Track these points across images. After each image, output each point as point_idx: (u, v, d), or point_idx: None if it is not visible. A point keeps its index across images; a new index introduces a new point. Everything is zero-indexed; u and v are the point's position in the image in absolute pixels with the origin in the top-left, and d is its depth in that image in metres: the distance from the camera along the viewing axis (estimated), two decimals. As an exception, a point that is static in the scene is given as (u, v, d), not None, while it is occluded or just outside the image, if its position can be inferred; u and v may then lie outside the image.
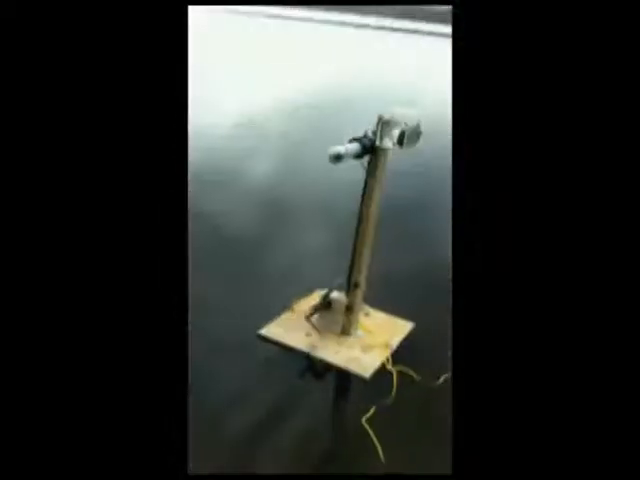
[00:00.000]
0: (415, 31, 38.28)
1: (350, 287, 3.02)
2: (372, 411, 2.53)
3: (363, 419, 2.49)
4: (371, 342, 3.06)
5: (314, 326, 3.04)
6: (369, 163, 2.74)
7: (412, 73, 18.09)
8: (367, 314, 3.36)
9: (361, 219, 2.88)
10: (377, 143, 2.62)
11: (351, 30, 36.79)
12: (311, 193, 5.67)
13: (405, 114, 2.62)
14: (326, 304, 3.11)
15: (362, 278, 3.01)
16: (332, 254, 3.97)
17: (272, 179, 6.14)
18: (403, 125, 2.56)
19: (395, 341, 3.11)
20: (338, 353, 2.95)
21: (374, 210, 2.85)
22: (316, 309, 3.08)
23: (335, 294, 3.08)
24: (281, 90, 12.47)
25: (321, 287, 3.26)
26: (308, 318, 3.03)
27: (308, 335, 3.08)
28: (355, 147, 2.58)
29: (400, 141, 2.59)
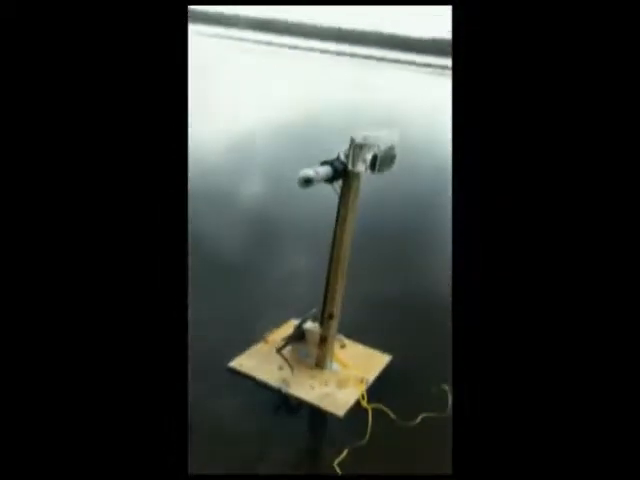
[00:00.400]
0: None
1: (324, 318, 2.86)
2: (344, 454, 2.36)
3: (335, 462, 2.31)
4: (346, 377, 2.90)
5: (286, 360, 2.87)
6: (342, 188, 2.61)
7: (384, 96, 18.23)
8: (343, 346, 3.20)
9: (334, 247, 2.73)
10: (349, 167, 2.49)
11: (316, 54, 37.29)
12: (297, 214, 5.53)
13: (379, 136, 2.50)
14: (299, 335, 2.95)
15: (336, 308, 2.86)
16: (315, 277, 3.80)
17: (260, 201, 6.00)
18: (376, 148, 2.43)
19: (371, 376, 2.95)
20: (312, 389, 2.78)
21: (347, 238, 2.71)
22: (288, 341, 2.92)
23: (309, 325, 2.93)
24: (267, 111, 12.47)
25: (302, 313, 3.09)
26: (279, 351, 2.86)
27: (281, 368, 2.91)
28: (326, 170, 2.45)
29: (372, 165, 2.46)
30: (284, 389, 2.73)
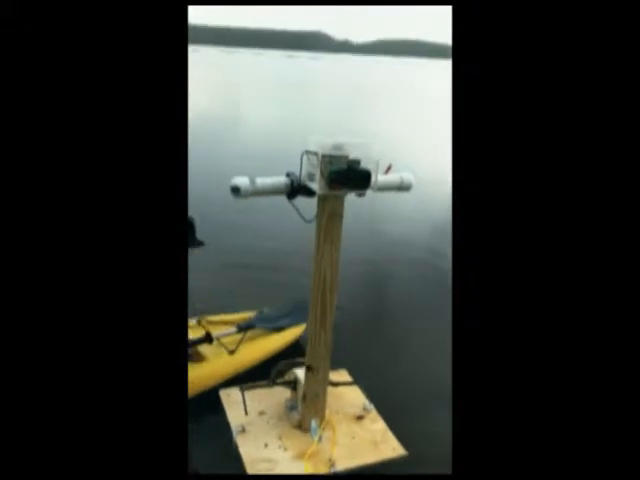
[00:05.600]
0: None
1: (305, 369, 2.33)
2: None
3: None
4: (318, 452, 2.28)
5: (243, 402, 2.44)
6: (317, 212, 2.09)
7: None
8: (360, 417, 2.53)
9: (312, 289, 2.20)
10: (303, 182, 1.98)
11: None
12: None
13: (348, 146, 1.91)
14: (292, 383, 2.48)
15: (317, 362, 2.29)
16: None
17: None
18: (319, 160, 1.87)
19: (350, 465, 2.24)
20: (264, 447, 2.30)
21: (323, 276, 2.15)
22: (269, 382, 2.48)
23: (301, 373, 2.43)
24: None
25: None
26: (242, 390, 2.46)
27: (261, 413, 2.50)
28: (275, 182, 2.00)
29: (330, 182, 1.90)
30: (234, 435, 2.34)
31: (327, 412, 2.48)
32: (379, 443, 2.39)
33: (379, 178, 2.05)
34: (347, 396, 2.68)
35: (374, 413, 2.57)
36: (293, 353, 2.86)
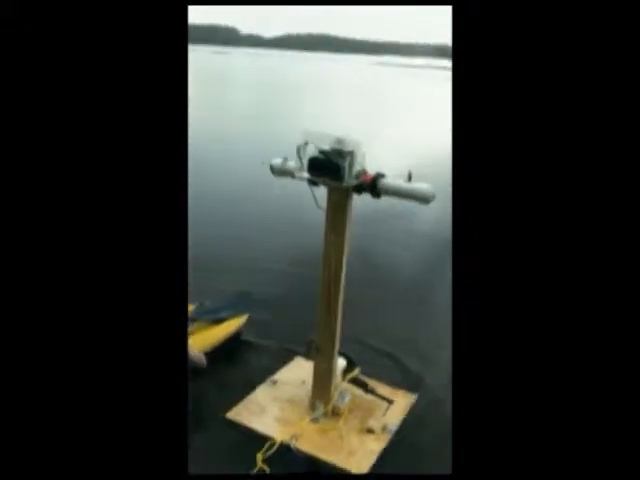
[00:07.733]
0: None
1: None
2: None
3: None
4: (294, 426, 2.42)
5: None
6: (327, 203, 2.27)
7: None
8: (370, 431, 2.46)
9: (322, 271, 2.36)
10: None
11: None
12: None
13: (332, 138, 2.06)
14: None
15: (325, 344, 2.42)
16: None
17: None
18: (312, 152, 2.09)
19: (302, 448, 2.31)
20: (270, 401, 2.60)
21: (330, 260, 2.28)
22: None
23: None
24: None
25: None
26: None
27: (303, 382, 2.75)
28: (295, 165, 2.30)
29: (309, 169, 2.11)
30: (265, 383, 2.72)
31: (346, 410, 2.53)
32: (351, 454, 2.31)
33: (393, 183, 2.09)
34: (384, 411, 2.59)
35: (386, 436, 2.43)
36: (236, 343, 3.08)
